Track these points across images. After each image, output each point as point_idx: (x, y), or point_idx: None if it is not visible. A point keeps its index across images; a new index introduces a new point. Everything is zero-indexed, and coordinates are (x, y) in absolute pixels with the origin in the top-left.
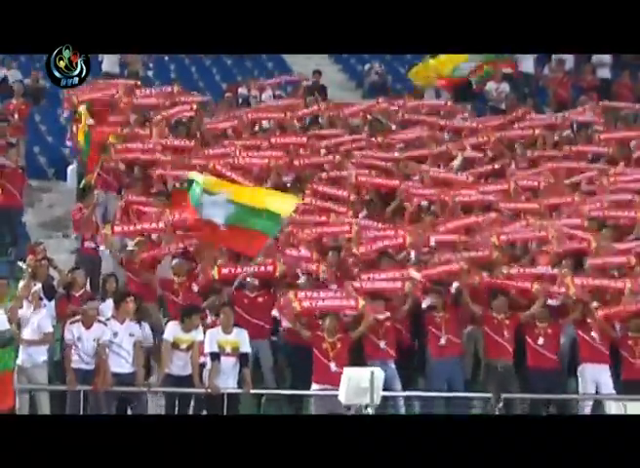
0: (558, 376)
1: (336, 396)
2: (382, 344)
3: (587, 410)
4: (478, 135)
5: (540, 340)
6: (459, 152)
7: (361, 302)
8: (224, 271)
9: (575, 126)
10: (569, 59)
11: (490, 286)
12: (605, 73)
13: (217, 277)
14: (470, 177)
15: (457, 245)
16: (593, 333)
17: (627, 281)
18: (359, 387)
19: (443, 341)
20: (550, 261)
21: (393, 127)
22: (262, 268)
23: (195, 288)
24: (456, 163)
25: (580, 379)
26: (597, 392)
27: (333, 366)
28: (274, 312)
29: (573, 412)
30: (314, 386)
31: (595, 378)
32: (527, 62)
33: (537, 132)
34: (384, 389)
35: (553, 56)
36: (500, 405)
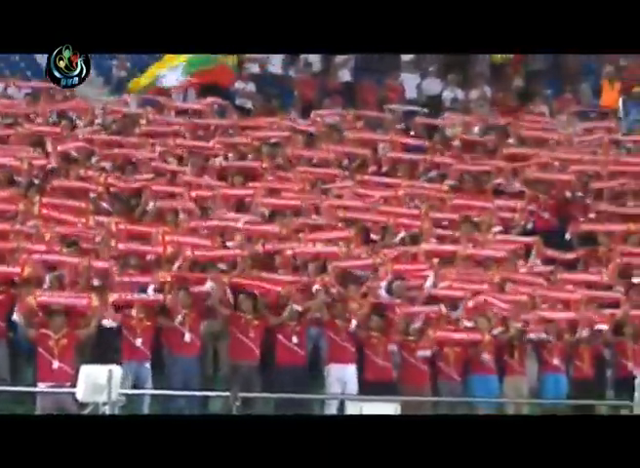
0: (306, 373)
1: (64, 394)
2: (139, 343)
3: (334, 409)
4: None
5: (295, 339)
6: None
7: (94, 302)
8: None
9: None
10: (315, 61)
11: (237, 286)
12: (346, 76)
13: None
14: None
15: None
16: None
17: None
18: (96, 384)
19: (187, 339)
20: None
21: None
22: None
23: None
24: None
25: (326, 379)
26: (343, 392)
27: (56, 363)
28: (14, 317)
29: (318, 411)
30: (40, 384)
31: (341, 378)
32: (275, 63)
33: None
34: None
35: (301, 56)
36: (239, 403)
